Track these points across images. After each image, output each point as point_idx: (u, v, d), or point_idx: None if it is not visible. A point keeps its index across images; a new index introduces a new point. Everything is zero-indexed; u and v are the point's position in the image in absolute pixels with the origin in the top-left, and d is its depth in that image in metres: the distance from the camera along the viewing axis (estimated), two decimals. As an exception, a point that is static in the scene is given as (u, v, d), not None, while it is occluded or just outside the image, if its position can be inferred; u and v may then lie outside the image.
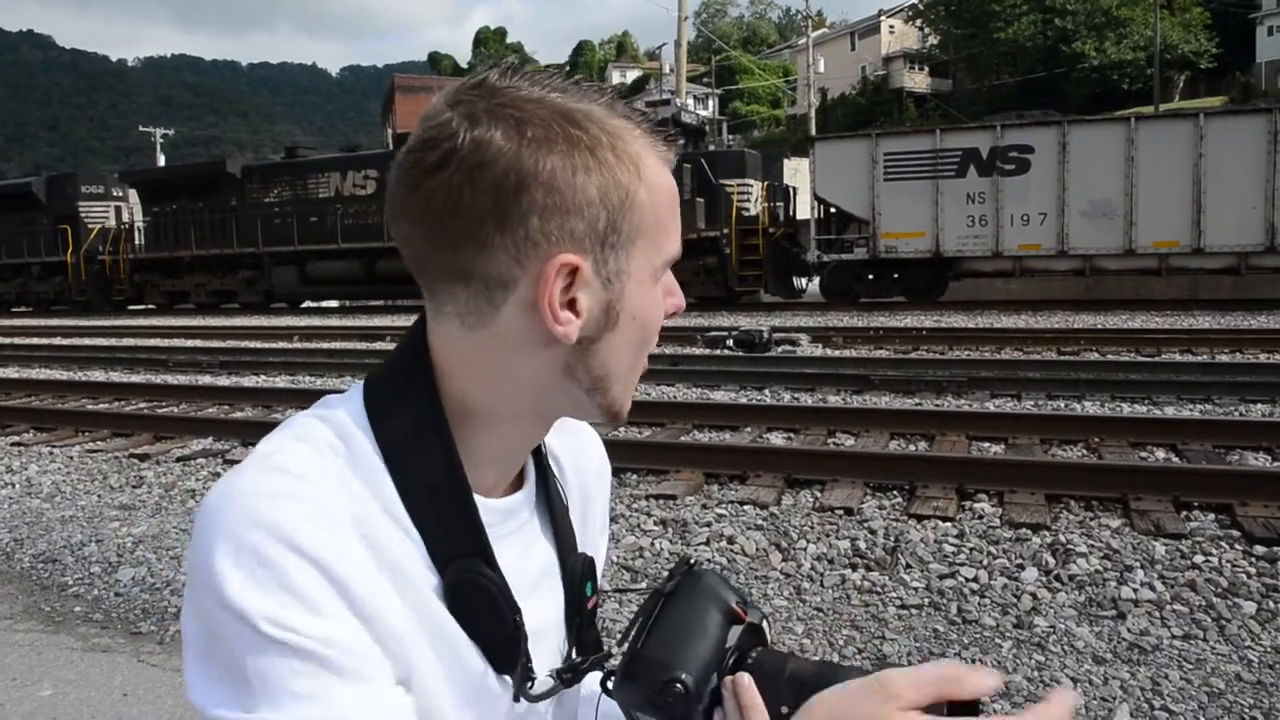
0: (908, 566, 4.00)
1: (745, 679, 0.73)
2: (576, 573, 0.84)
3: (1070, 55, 41.58)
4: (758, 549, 4.30)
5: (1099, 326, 12.94)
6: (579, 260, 0.70)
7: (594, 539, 0.93)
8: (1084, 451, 5.79)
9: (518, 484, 0.83)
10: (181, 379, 11.05)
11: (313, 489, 0.67)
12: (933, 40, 52.78)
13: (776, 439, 6.52)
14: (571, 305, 0.71)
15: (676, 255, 0.76)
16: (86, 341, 16.65)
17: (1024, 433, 6.13)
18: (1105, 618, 3.45)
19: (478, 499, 0.76)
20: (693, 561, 0.79)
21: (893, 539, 4.29)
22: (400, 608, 0.70)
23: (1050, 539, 4.19)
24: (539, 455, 0.86)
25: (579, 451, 0.94)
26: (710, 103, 55.92)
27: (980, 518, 4.54)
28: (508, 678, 0.76)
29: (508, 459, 0.80)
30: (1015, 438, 6.07)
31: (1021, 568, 3.91)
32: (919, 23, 51.51)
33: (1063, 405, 7.42)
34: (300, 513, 0.66)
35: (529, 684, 0.76)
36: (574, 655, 0.84)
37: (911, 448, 6.11)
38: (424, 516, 0.72)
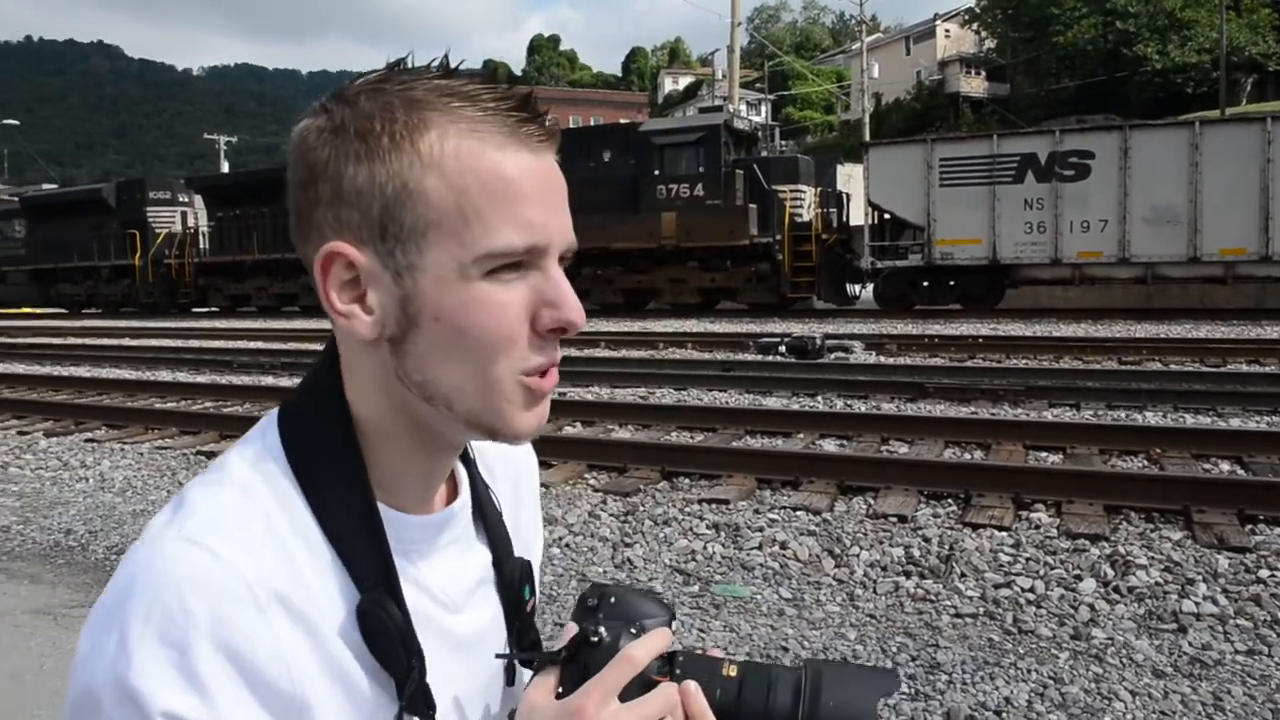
0: (962, 575, 3.99)
1: (692, 686, 0.71)
2: (514, 577, 0.82)
3: (1132, 59, 40.69)
4: (810, 555, 4.31)
5: (1162, 336, 12.66)
6: (351, 250, 0.67)
7: (528, 541, 0.91)
8: (1145, 462, 5.70)
9: (454, 491, 0.81)
10: (245, 379, 11.34)
11: (225, 565, 0.64)
12: (990, 44, 52.03)
13: (829, 445, 6.51)
14: (363, 301, 0.68)
15: (506, 250, 0.66)
16: (154, 343, 17.15)
17: (1083, 443, 6.05)
18: (1166, 631, 3.41)
19: (404, 518, 0.74)
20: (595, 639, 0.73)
21: (947, 547, 4.27)
22: (316, 674, 0.67)
23: (1109, 550, 4.14)
24: (469, 463, 0.84)
25: (509, 455, 0.91)
26: (763, 108, 55.76)
27: (1037, 527, 4.50)
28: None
29: (427, 476, 0.76)
30: (1074, 448, 5.99)
31: (1079, 579, 3.87)
32: (975, 26, 50.80)
33: (1123, 416, 7.29)
34: (214, 598, 0.62)
35: (430, 716, 0.71)
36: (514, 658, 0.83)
37: (967, 456, 6.06)
38: (341, 541, 0.69)
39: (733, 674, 0.73)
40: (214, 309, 28.16)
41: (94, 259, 28.98)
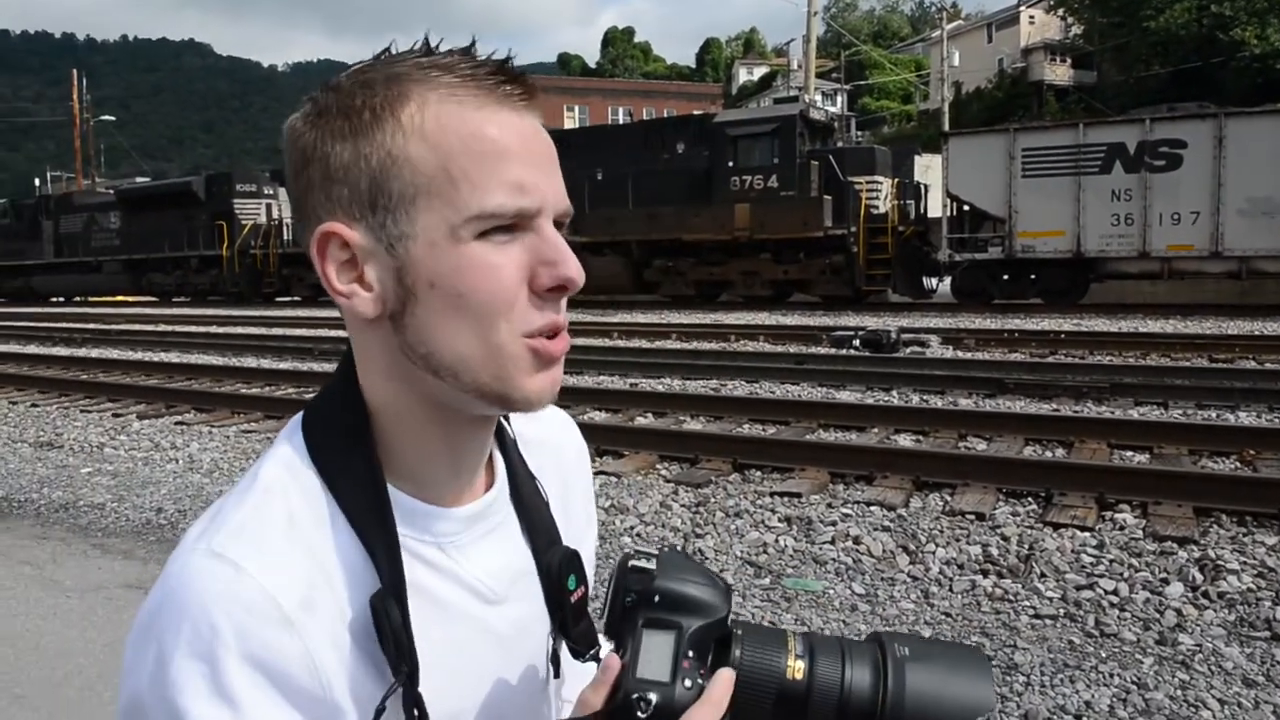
0: (1042, 575, 3.89)
1: (729, 674, 0.68)
2: (554, 567, 0.79)
3: (1228, 44, 39.00)
4: (884, 550, 4.26)
5: (1256, 333, 12.15)
6: (343, 228, 0.68)
7: (579, 529, 0.89)
8: (1238, 464, 5.48)
9: (492, 480, 0.80)
10: (326, 366, 11.63)
11: (249, 579, 0.65)
12: (1076, 30, 50.38)
13: (904, 440, 6.41)
14: (362, 279, 0.68)
15: (497, 211, 0.66)
16: (239, 330, 17.71)
17: (1171, 442, 5.84)
18: (1258, 639, 3.28)
19: (434, 510, 0.74)
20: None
21: (1026, 546, 4.17)
22: (343, 672, 0.68)
23: (1198, 554, 3.99)
24: (507, 450, 0.83)
25: (554, 440, 0.91)
26: (839, 99, 54.98)
27: (1121, 528, 4.37)
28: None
29: (453, 461, 0.75)
30: (1161, 447, 5.79)
31: (1166, 582, 3.75)
32: (1061, 12, 49.24)
33: (1214, 415, 7.02)
34: (239, 612, 0.64)
35: None
36: (562, 651, 0.81)
37: (1048, 454, 5.90)
38: (364, 533, 0.70)
39: (798, 676, 0.68)
40: (296, 298, 28.93)
41: (184, 249, 30.00)
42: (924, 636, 0.89)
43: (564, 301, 0.71)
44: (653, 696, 0.65)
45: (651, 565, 0.70)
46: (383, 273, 0.68)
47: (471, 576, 0.76)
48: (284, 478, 0.71)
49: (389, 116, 0.66)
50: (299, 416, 0.75)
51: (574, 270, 0.69)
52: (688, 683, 0.66)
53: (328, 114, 0.68)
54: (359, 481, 0.71)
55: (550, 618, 0.80)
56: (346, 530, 0.70)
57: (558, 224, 0.70)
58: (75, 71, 48.90)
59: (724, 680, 0.67)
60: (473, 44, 0.71)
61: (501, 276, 0.67)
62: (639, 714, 0.65)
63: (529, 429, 0.87)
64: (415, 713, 0.68)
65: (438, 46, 0.70)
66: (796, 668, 0.67)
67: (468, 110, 0.67)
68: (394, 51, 0.71)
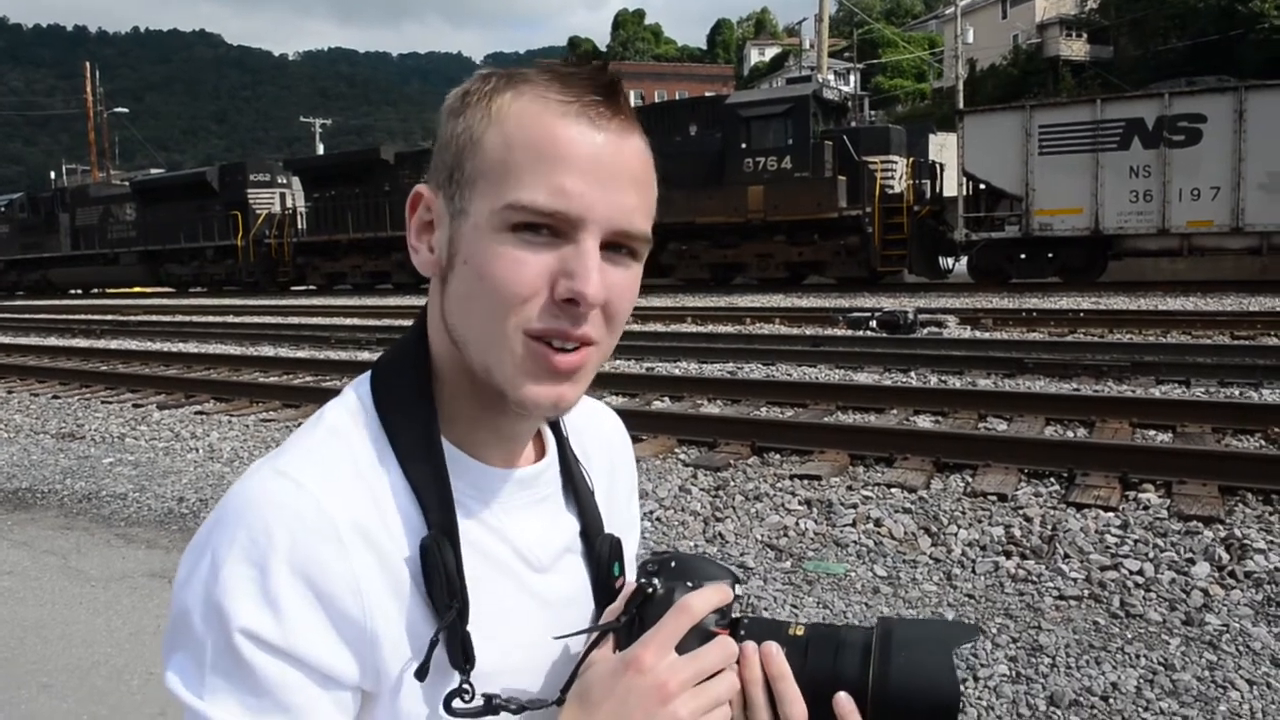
0: (1066, 556, 3.86)
1: (773, 647, 0.71)
2: (604, 554, 0.83)
3: (1247, 16, 38.42)
4: (906, 533, 4.23)
5: (1278, 309, 12.01)
6: (428, 193, 0.75)
7: (622, 521, 0.92)
8: (1262, 442, 5.42)
9: (542, 455, 0.84)
10: (342, 354, 11.68)
11: (309, 496, 0.68)
12: (1092, 4, 49.75)
13: (924, 422, 6.37)
14: (430, 240, 0.75)
15: (529, 204, 0.68)
16: (256, 320, 17.80)
17: (1194, 421, 5.78)
18: (1287, 618, 3.24)
19: (485, 467, 0.77)
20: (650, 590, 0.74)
21: (1050, 527, 4.14)
22: (386, 608, 0.70)
23: (1224, 533, 3.96)
24: (557, 430, 0.86)
25: (602, 431, 0.94)
26: (852, 78, 54.53)
27: (1146, 508, 4.33)
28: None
29: (496, 429, 0.78)
30: (1184, 426, 5.73)
31: (1192, 562, 3.71)
32: (1077, -14, 48.68)
33: (1237, 393, 6.95)
34: (295, 524, 0.67)
35: (467, 669, 0.71)
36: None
37: (1070, 434, 5.86)
38: (417, 482, 0.73)
39: (799, 633, 0.73)
40: (311, 287, 29.05)
41: (199, 240, 30.15)
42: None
43: (588, 320, 0.70)
44: (658, 582, 0.73)
45: (669, 551, 0.78)
46: (443, 239, 0.74)
47: (521, 542, 0.79)
48: (347, 422, 0.75)
49: (485, 104, 0.72)
50: (369, 371, 0.80)
51: (589, 287, 0.68)
52: (690, 584, 0.73)
53: (458, 96, 0.74)
54: (417, 430, 0.74)
55: (595, 602, 0.83)
56: (401, 478, 0.73)
57: (614, 244, 0.71)
58: (88, 64, 49.03)
59: (723, 585, 0.72)
60: (605, 64, 0.74)
61: (522, 272, 0.69)
62: (648, 592, 0.73)
63: (578, 418, 0.90)
64: (463, 653, 0.71)
65: (574, 59, 0.75)
66: (797, 629, 0.74)
67: (549, 114, 0.70)
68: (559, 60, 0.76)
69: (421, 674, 0.69)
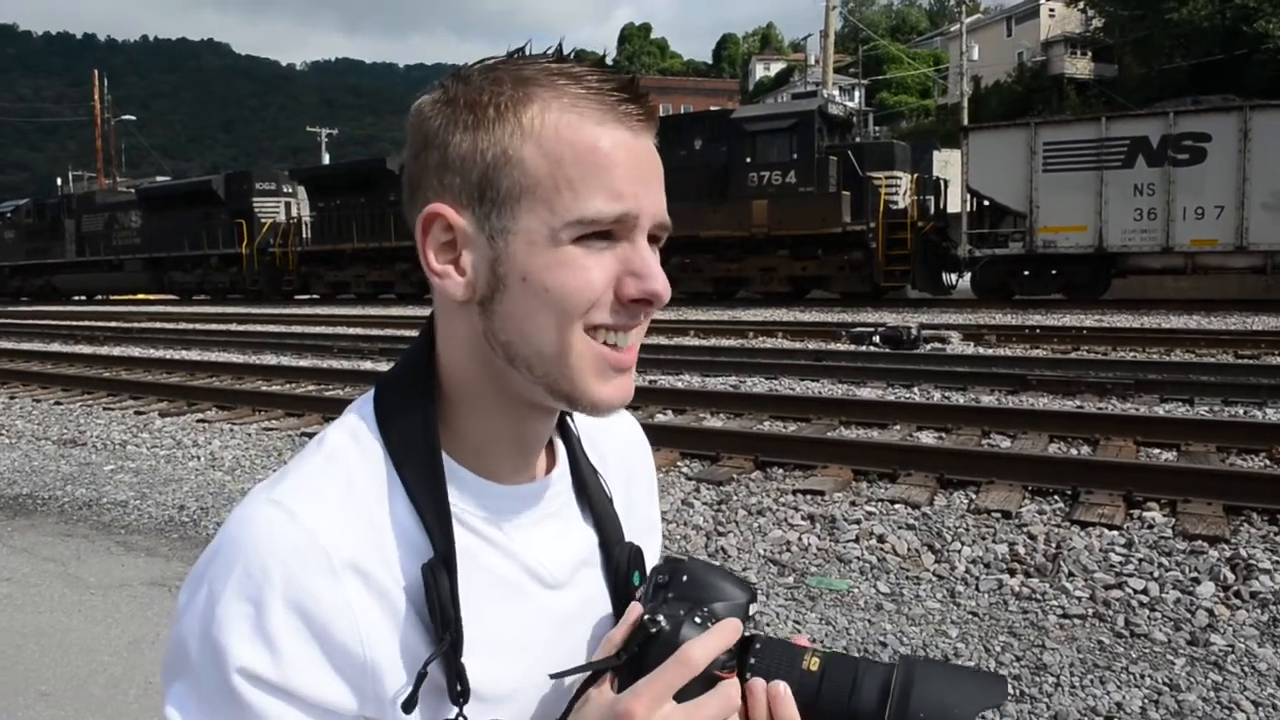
0: (1070, 574, 3.84)
1: (782, 688, 0.70)
2: (622, 564, 0.82)
3: (1252, 36, 38.52)
4: (909, 549, 4.22)
5: (1283, 328, 11.99)
6: (450, 212, 0.71)
7: (641, 528, 0.90)
8: (1267, 461, 5.40)
9: (552, 465, 0.82)
10: (345, 364, 11.67)
11: (302, 528, 0.67)
12: (1097, 23, 49.92)
13: (927, 438, 6.36)
14: (458, 262, 0.72)
15: (596, 217, 0.68)
16: (259, 328, 17.80)
17: (1198, 439, 5.77)
18: (1293, 639, 3.22)
19: (493, 486, 0.76)
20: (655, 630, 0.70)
21: (1054, 545, 4.12)
22: (386, 638, 0.69)
23: (1230, 553, 3.93)
24: (569, 439, 0.84)
25: (619, 438, 0.92)
26: (857, 94, 54.70)
27: (1150, 527, 4.31)
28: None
29: (518, 442, 0.78)
30: (1188, 444, 5.71)
31: (1196, 581, 3.69)
32: (1082, 5, 48.80)
33: (1241, 412, 6.93)
34: (290, 557, 0.66)
35: (461, 701, 0.70)
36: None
37: (1074, 451, 5.84)
38: (419, 504, 0.72)
39: (814, 668, 0.70)
40: (315, 296, 29.09)
41: (204, 248, 30.25)
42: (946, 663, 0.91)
43: (645, 316, 0.73)
44: (662, 619, 0.69)
45: (684, 559, 0.75)
46: (479, 260, 0.71)
47: (532, 558, 0.77)
48: (348, 444, 0.74)
49: (511, 116, 0.69)
50: (372, 389, 0.78)
51: (660, 285, 0.71)
52: (698, 619, 0.70)
53: (454, 104, 0.71)
54: (420, 452, 0.73)
55: (614, 612, 0.82)
56: (404, 499, 0.72)
57: (654, 238, 0.73)
58: (96, 72, 49.32)
59: (732, 624, 0.70)
60: (603, 58, 0.74)
61: (590, 278, 0.70)
62: (650, 630, 0.69)
63: (592, 423, 0.88)
64: (457, 684, 0.70)
65: (569, 55, 0.73)
66: (812, 662, 0.71)
67: (587, 123, 0.69)
68: (527, 53, 0.74)
69: (409, 707, 0.68)
